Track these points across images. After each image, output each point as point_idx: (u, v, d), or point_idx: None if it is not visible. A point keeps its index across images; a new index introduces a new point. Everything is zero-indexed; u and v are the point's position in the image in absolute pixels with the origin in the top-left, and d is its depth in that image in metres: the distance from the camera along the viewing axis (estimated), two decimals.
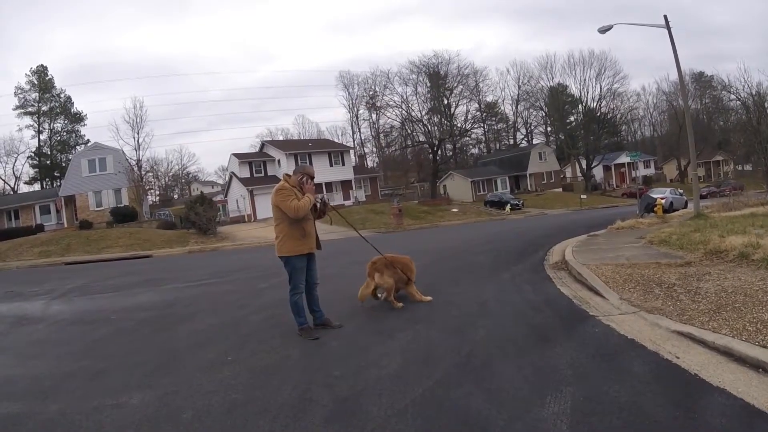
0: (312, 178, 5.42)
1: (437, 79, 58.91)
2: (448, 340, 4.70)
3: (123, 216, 34.64)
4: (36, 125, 58.12)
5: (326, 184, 43.30)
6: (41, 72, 57.72)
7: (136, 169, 40.55)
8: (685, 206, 26.71)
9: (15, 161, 57.83)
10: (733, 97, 26.03)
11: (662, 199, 21.87)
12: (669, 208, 23.54)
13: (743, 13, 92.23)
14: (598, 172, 62.74)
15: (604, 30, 17.38)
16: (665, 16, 16.06)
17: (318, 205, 5.53)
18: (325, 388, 3.66)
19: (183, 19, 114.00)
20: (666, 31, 16.08)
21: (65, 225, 37.17)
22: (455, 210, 40.44)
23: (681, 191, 31.97)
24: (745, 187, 37.41)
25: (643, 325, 4.64)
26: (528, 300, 6.33)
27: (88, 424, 3.34)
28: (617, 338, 4.37)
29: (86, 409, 3.59)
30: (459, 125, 61.04)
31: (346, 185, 46.06)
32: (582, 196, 47.09)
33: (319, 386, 3.70)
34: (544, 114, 71.73)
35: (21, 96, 57.19)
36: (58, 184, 47.67)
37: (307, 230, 5.25)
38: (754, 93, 17.84)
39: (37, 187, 56.58)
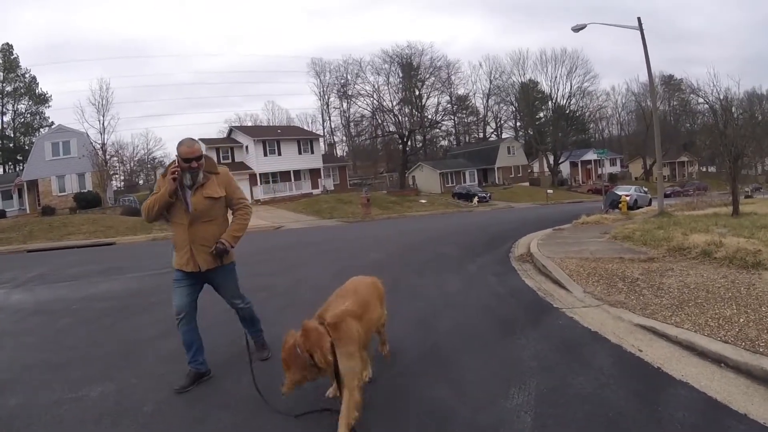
0: (187, 161, 3.54)
1: (410, 69, 59.00)
2: (412, 332, 4.70)
3: (87, 202, 33.54)
4: None
5: (294, 172, 43.03)
6: (6, 51, 55.08)
7: (100, 153, 39.24)
8: (650, 204, 27.39)
9: None
10: (701, 100, 26.59)
11: (627, 196, 22.33)
12: (633, 206, 24.11)
13: (716, 20, 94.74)
14: (565, 168, 63.73)
15: (578, 28, 17.60)
16: (638, 18, 16.36)
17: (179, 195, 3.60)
18: None
19: None
20: (638, 33, 16.36)
21: (27, 211, 35.89)
22: (423, 201, 40.56)
23: (646, 189, 32.76)
24: (709, 187, 38.49)
25: (607, 318, 4.73)
26: (493, 292, 6.38)
27: (47, 418, 3.25)
28: (581, 331, 4.44)
29: (46, 402, 3.50)
30: (429, 117, 61.49)
31: (314, 174, 45.49)
32: (548, 191, 47.78)
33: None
34: (514, 109, 72.41)
35: None
36: (21, 168, 45.92)
37: (175, 239, 3.76)
38: (722, 97, 18.28)
39: None
